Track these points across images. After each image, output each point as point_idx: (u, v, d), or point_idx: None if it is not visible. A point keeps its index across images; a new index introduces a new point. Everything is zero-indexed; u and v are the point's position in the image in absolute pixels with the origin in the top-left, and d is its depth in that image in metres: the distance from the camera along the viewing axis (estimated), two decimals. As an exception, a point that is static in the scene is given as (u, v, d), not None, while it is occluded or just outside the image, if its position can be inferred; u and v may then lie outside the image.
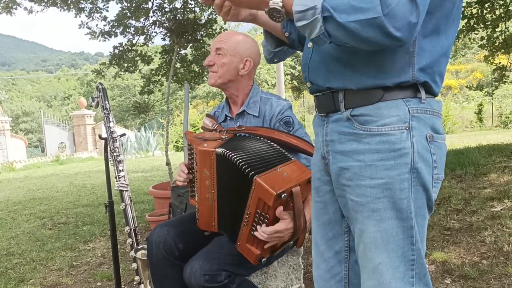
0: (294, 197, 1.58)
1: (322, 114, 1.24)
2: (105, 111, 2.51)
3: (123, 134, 2.59)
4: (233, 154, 1.66)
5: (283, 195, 1.55)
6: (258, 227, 1.62)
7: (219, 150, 1.71)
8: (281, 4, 1.09)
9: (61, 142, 20.12)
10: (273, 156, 1.75)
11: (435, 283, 2.59)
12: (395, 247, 1.13)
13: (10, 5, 5.71)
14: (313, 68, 1.23)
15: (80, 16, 6.36)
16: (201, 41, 6.48)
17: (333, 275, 1.35)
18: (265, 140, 1.83)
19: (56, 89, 46.57)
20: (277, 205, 1.58)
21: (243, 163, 1.63)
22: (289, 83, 25.57)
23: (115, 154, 2.48)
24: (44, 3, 5.96)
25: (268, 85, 26.28)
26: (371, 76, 1.12)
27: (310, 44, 1.25)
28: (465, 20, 7.44)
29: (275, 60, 1.25)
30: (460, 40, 8.26)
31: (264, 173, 1.61)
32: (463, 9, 7.31)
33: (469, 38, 8.34)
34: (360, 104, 1.14)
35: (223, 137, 1.87)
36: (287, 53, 1.46)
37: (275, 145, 1.82)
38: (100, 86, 2.51)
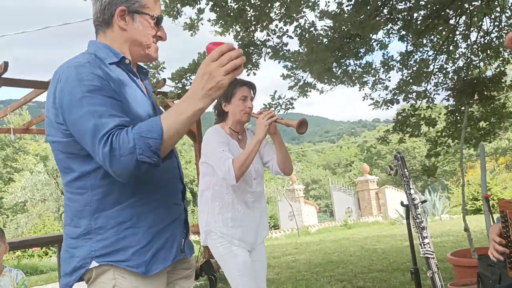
0: None
1: None
2: (404, 178, 2.60)
3: (425, 201, 2.62)
4: None
5: None
6: None
7: None
8: None
9: (348, 207, 21.24)
10: None
11: None
12: None
13: (306, 88, 6.57)
14: None
15: (363, 89, 6.87)
16: (489, 96, 6.08)
17: None
18: None
19: (338, 157, 49.99)
20: None
21: None
22: None
23: (417, 220, 2.52)
24: (332, 83, 6.67)
25: None
26: None
27: None
28: None
29: None
30: None
31: None
32: None
33: None
34: None
35: None
36: None
37: None
38: (398, 155, 2.63)
